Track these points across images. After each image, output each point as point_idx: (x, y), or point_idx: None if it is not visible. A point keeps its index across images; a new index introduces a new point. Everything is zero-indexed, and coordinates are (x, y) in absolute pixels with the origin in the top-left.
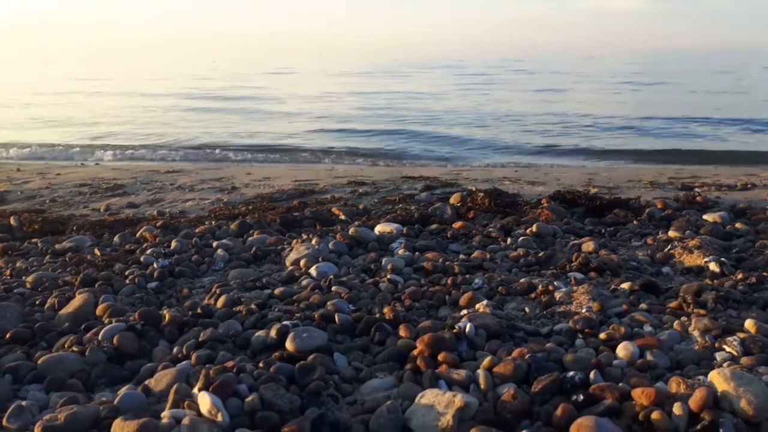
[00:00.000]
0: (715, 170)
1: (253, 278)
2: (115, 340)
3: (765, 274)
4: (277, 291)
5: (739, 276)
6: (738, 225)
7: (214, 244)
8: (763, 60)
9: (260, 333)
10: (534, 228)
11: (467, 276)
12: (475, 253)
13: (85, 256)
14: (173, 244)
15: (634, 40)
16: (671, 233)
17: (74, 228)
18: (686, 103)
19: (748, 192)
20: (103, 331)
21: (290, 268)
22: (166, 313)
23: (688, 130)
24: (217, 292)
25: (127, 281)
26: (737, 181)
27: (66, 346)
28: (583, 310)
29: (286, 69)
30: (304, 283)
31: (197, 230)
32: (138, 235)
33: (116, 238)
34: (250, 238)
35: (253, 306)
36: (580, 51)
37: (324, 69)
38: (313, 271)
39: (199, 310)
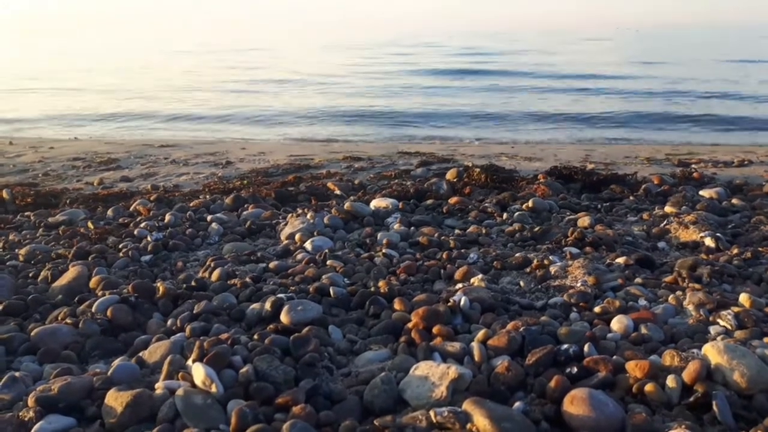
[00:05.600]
0: (713, 147)
1: (247, 252)
2: (108, 313)
3: (760, 249)
4: (272, 265)
5: (735, 251)
6: (734, 201)
7: (209, 217)
8: None
9: (255, 306)
10: (530, 203)
11: (463, 250)
12: (471, 228)
13: (79, 230)
14: (167, 217)
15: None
16: (667, 209)
17: (67, 201)
18: None
19: (745, 168)
20: (96, 303)
21: (285, 242)
22: (160, 286)
23: None
24: (212, 265)
25: (121, 254)
26: (734, 157)
27: (59, 318)
28: (578, 284)
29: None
30: (299, 257)
31: (191, 204)
32: (132, 208)
33: (110, 212)
34: (244, 212)
35: (247, 279)
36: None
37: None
38: (308, 245)
39: (193, 283)
